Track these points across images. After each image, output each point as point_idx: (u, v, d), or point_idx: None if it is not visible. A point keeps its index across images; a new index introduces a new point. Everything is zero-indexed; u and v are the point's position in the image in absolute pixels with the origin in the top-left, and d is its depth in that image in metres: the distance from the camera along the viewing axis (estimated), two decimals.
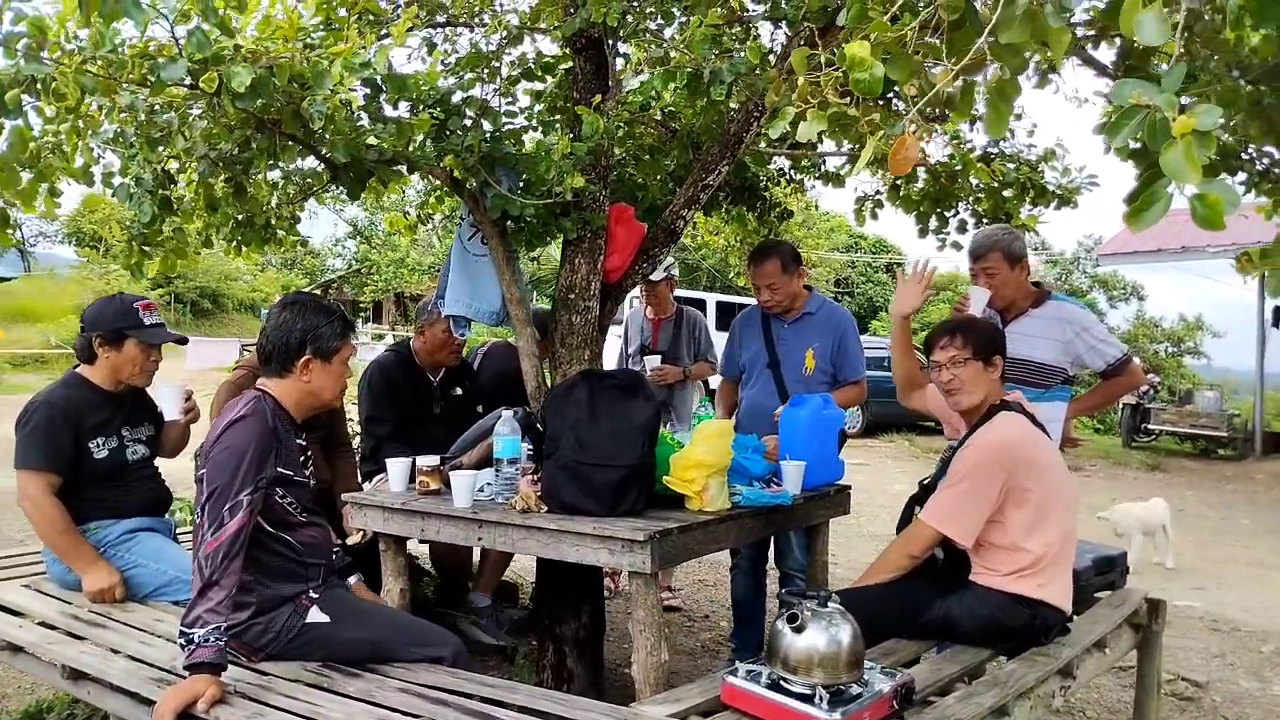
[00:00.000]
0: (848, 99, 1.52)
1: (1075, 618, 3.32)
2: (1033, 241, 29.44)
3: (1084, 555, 3.55)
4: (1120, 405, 16.21)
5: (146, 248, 3.68)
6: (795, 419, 3.73)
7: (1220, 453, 15.44)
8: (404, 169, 3.35)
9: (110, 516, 3.21)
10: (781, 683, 2.33)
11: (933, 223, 4.80)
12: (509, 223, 3.66)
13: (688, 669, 4.67)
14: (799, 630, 2.32)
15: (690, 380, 5.40)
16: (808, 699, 2.26)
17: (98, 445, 3.19)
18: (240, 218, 4.58)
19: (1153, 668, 3.57)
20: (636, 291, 5.52)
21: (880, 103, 3.16)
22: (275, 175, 3.42)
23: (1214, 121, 1.22)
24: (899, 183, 4.71)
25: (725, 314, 17.57)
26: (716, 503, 3.24)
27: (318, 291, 33.50)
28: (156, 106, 2.93)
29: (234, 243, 4.62)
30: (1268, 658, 5.60)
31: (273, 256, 44.41)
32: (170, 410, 3.34)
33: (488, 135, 3.52)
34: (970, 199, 4.74)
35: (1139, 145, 1.33)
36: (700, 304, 17.96)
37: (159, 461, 3.54)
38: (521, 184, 3.60)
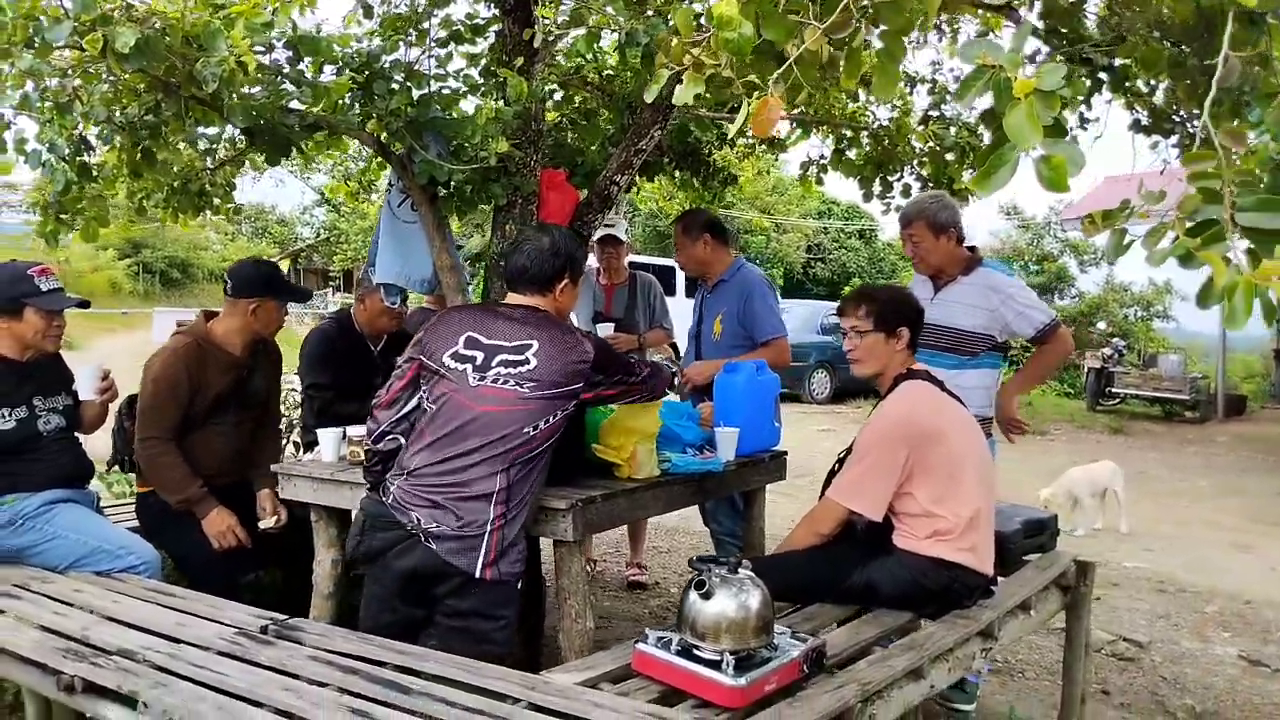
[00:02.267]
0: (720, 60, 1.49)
1: (1002, 580, 3.35)
2: (1005, 205, 29.28)
3: (1013, 519, 3.57)
4: (1085, 369, 16.35)
5: (64, 215, 3.60)
6: (730, 385, 3.72)
7: (1186, 415, 15.60)
8: (324, 134, 3.28)
9: (25, 489, 3.15)
10: (692, 650, 2.33)
11: (876, 187, 4.79)
12: (439, 189, 3.61)
13: (633, 636, 4.67)
14: (707, 597, 2.32)
15: (645, 348, 5.26)
16: (715, 665, 2.27)
17: (3, 416, 3.12)
18: (175, 184, 4.53)
19: (1081, 628, 3.60)
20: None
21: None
22: (192, 140, 3.31)
23: (1057, 81, 1.20)
24: (841, 147, 4.69)
25: (695, 280, 17.52)
26: (645, 470, 3.24)
27: (286, 260, 33.25)
28: (69, 70, 2.87)
29: (169, 209, 4.57)
30: (1211, 617, 5.68)
31: (243, 225, 43.98)
32: (85, 390, 3.27)
33: (415, 99, 3.47)
34: (914, 163, 4.72)
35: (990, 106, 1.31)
36: (670, 271, 17.95)
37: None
38: (451, 149, 3.55)
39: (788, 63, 1.41)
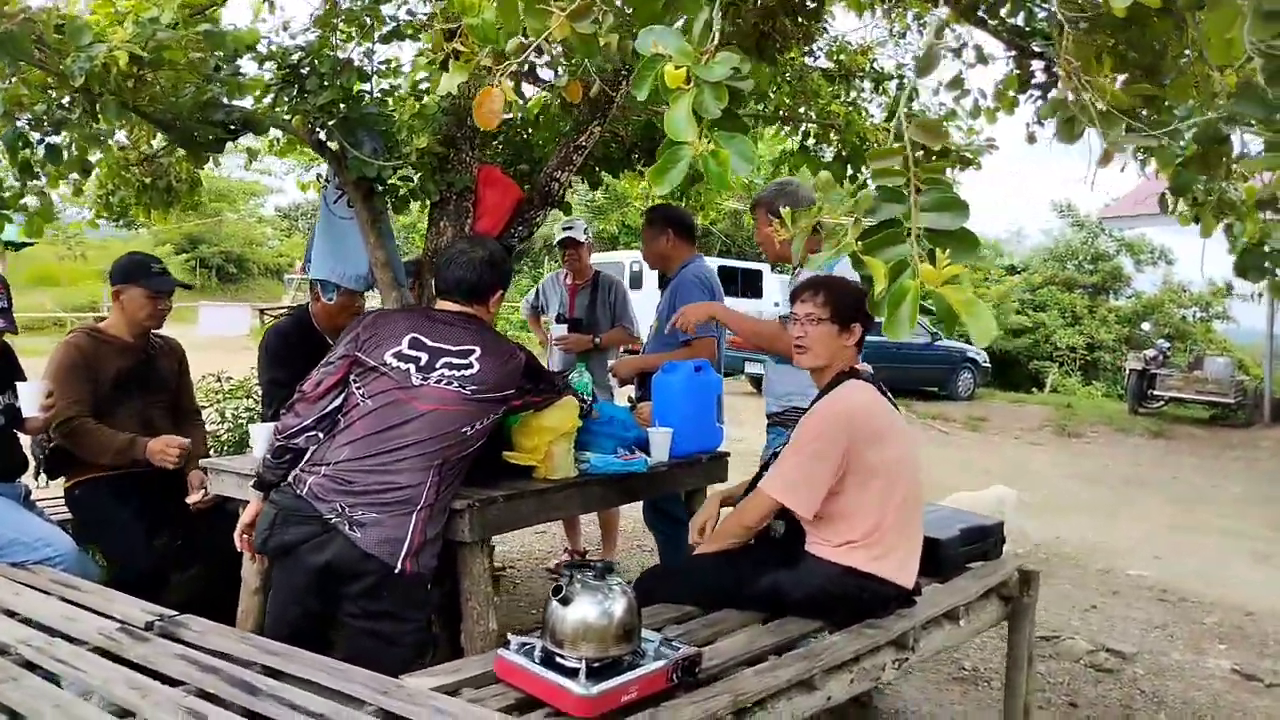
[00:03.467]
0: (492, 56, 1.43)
1: (937, 587, 3.24)
2: (1058, 203, 28.50)
3: (953, 525, 3.46)
4: (1127, 371, 15.92)
5: (6, 212, 3.64)
6: (667, 385, 3.66)
7: (1233, 419, 15.08)
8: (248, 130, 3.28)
9: None
10: (554, 657, 2.27)
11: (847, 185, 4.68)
12: (375, 185, 3.59)
13: None
14: (565, 603, 2.27)
15: (606, 348, 5.20)
16: (574, 673, 2.21)
17: None
18: (146, 180, 4.59)
19: (1022, 640, 3.47)
20: None
21: None
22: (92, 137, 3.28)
23: (724, 73, 1.12)
24: (807, 144, 4.59)
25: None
26: (561, 470, 3.19)
27: None
28: None
29: (140, 205, 4.65)
30: (1209, 629, 5.48)
31: (298, 220, 44.69)
32: (29, 407, 3.29)
33: (348, 95, 3.46)
34: None
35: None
36: (758, 274, 18.30)
37: None
38: (389, 145, 3.54)
39: (528, 51, 1.34)
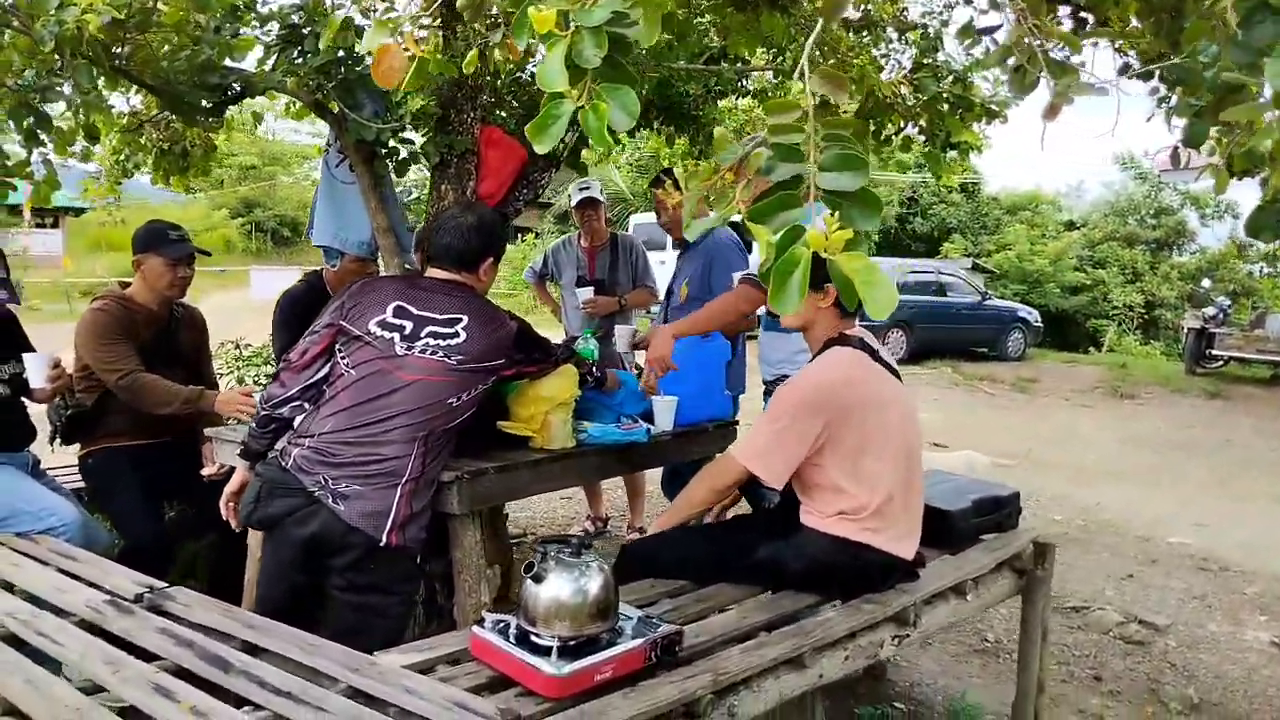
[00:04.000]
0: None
1: (945, 559, 3.14)
2: (1120, 155, 27.57)
3: (964, 495, 3.34)
4: (1184, 330, 15.48)
5: (9, 179, 3.64)
6: (674, 352, 3.57)
7: None
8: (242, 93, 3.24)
9: None
10: (528, 635, 2.23)
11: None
12: (377, 148, 3.53)
13: None
14: (537, 580, 2.21)
15: (629, 309, 5.17)
16: (547, 652, 2.16)
17: None
18: (164, 147, 4.59)
19: (1035, 614, 3.36)
20: None
21: None
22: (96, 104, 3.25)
23: (603, 16, 1.02)
24: (828, 101, 4.43)
25: None
26: (558, 440, 3.14)
27: None
28: None
29: (159, 171, 4.66)
30: (1250, 600, 5.30)
31: None
32: (36, 378, 3.29)
33: (346, 56, 3.39)
34: (912, 115, 4.45)
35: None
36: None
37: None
38: (389, 107, 3.47)
39: (436, 4, 1.26)
